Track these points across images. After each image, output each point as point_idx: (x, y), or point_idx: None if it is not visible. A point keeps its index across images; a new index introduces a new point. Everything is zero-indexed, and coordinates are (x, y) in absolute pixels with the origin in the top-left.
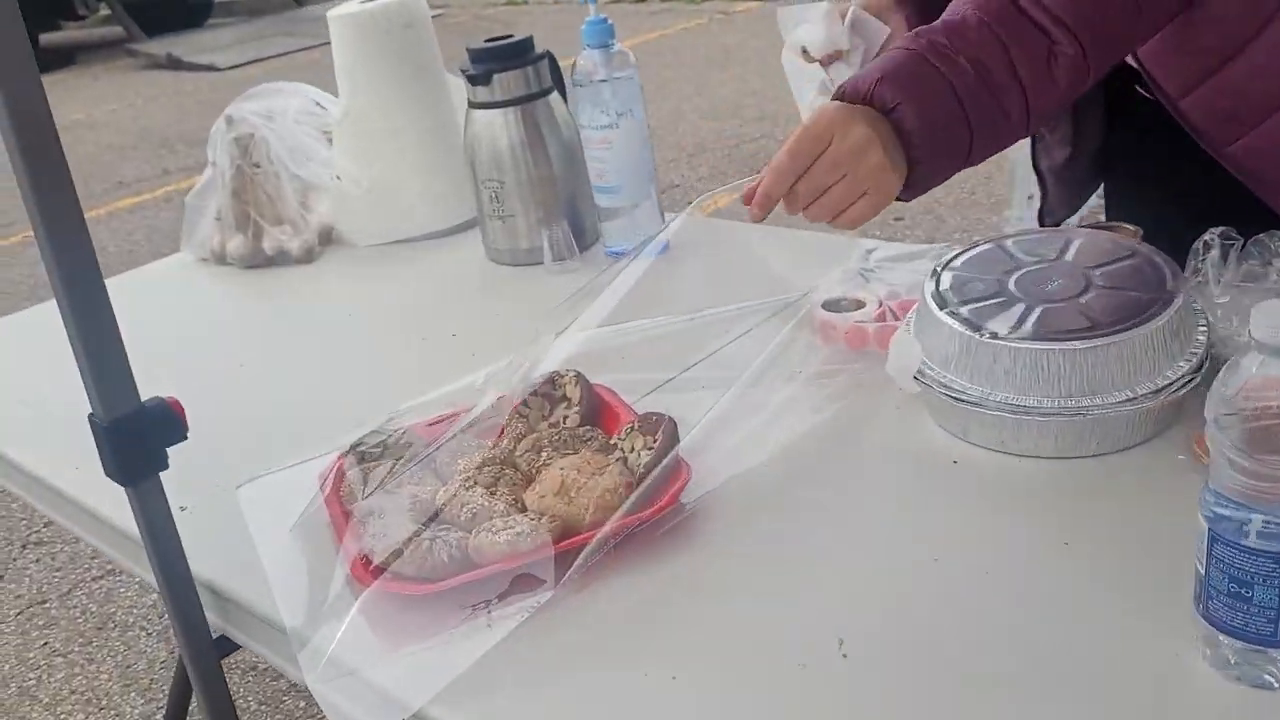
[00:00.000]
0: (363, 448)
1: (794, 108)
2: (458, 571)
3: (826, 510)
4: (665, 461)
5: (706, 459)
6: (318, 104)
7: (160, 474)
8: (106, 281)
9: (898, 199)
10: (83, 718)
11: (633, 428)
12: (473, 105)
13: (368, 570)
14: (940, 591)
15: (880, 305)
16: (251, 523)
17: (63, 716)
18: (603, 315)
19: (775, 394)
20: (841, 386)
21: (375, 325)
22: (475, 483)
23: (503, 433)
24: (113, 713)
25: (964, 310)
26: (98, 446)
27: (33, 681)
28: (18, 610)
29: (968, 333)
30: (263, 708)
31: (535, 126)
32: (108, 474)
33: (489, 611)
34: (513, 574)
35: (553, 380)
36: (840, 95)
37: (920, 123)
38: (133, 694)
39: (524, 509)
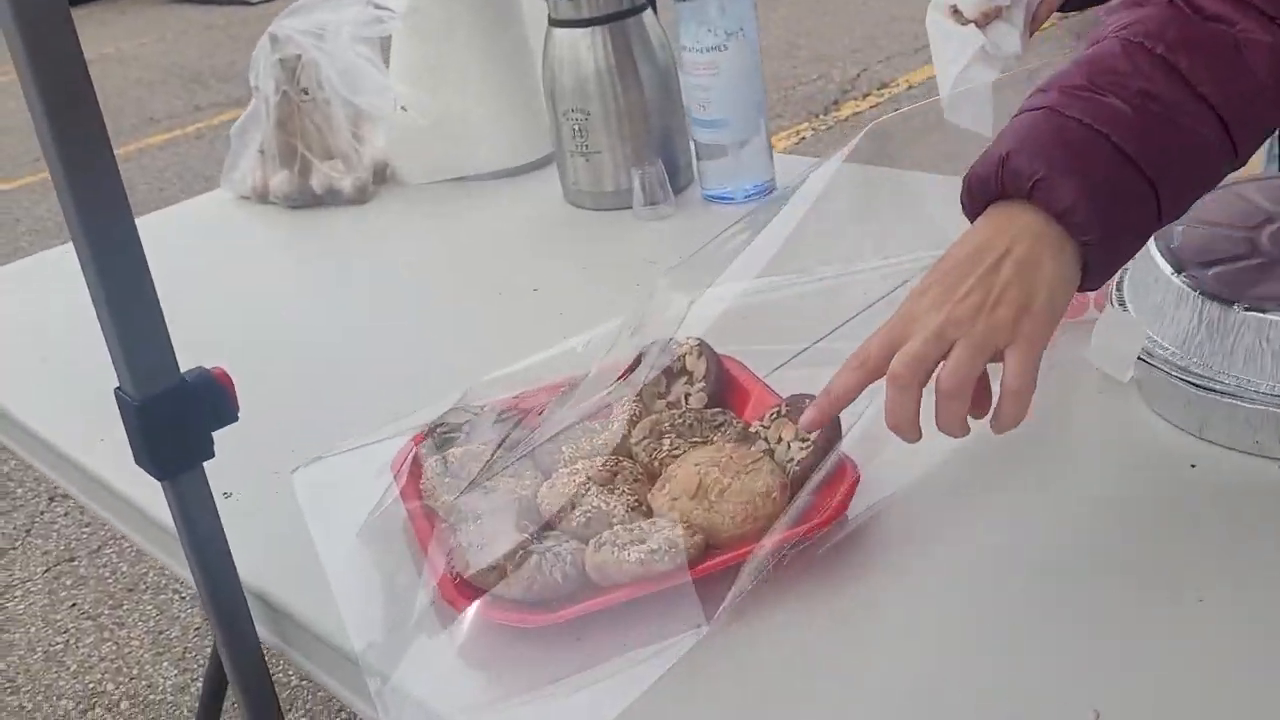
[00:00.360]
0: (444, 429)
1: (851, 46)
2: (574, 595)
3: (1032, 528)
4: (829, 460)
5: (870, 457)
6: (376, 7)
7: (204, 464)
8: (140, 219)
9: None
10: (113, 687)
11: (778, 413)
12: (553, 22)
13: (460, 590)
14: (1215, 646)
15: None
16: (310, 517)
17: (91, 686)
18: (751, 272)
19: None
20: None
21: (441, 276)
22: (588, 478)
23: (612, 413)
24: (144, 683)
25: (1209, 274)
26: (127, 430)
27: (59, 646)
28: (45, 568)
29: (1218, 304)
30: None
31: (627, 48)
32: (139, 463)
33: (622, 654)
34: (646, 602)
35: (668, 350)
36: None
37: (1080, 194)
38: (165, 663)
39: (649, 513)
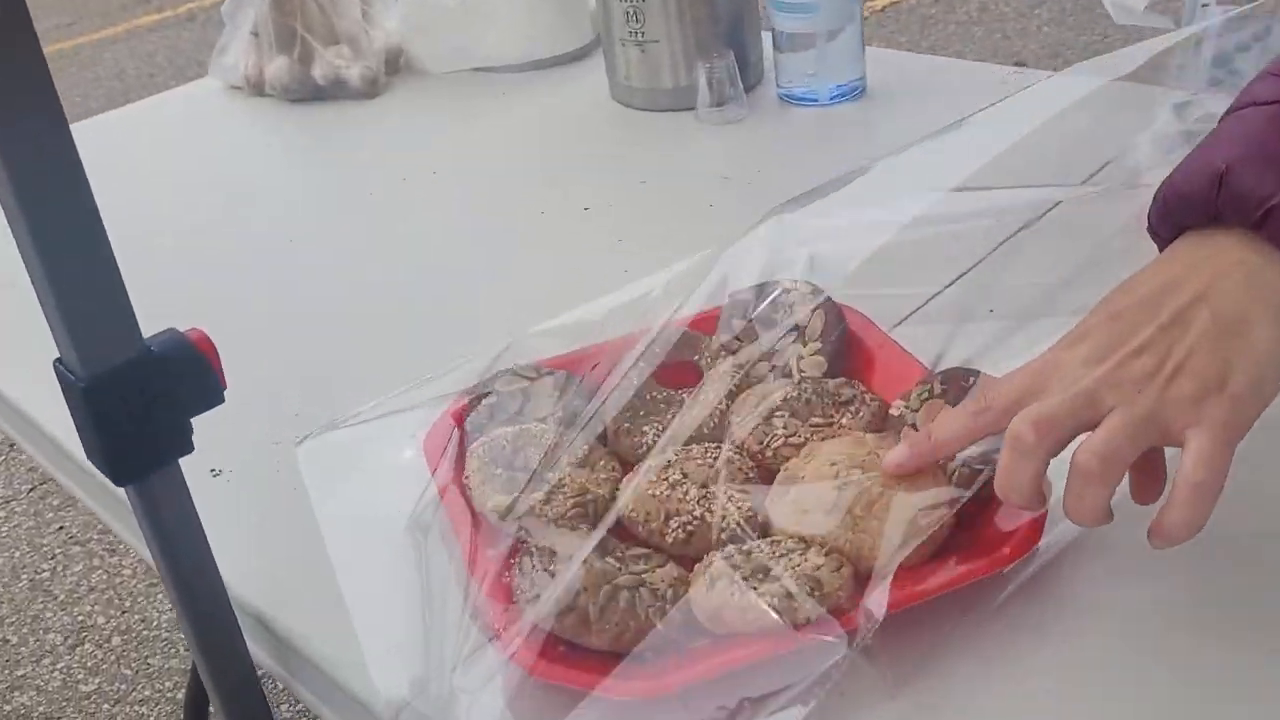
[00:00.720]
0: (491, 397)
1: None
2: (679, 642)
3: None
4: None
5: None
6: None
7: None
8: (112, 112)
9: None
10: (103, 620)
11: (930, 391)
12: None
13: (527, 639)
14: None
15: None
16: (320, 508)
17: (80, 619)
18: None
19: None
20: None
21: (468, 191)
22: (683, 474)
23: (700, 381)
24: (137, 616)
25: None
26: (74, 418)
27: (46, 573)
28: (30, 485)
29: None
30: None
31: None
32: (92, 460)
33: None
34: (779, 659)
35: (773, 298)
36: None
37: None
38: (159, 595)
39: (766, 528)
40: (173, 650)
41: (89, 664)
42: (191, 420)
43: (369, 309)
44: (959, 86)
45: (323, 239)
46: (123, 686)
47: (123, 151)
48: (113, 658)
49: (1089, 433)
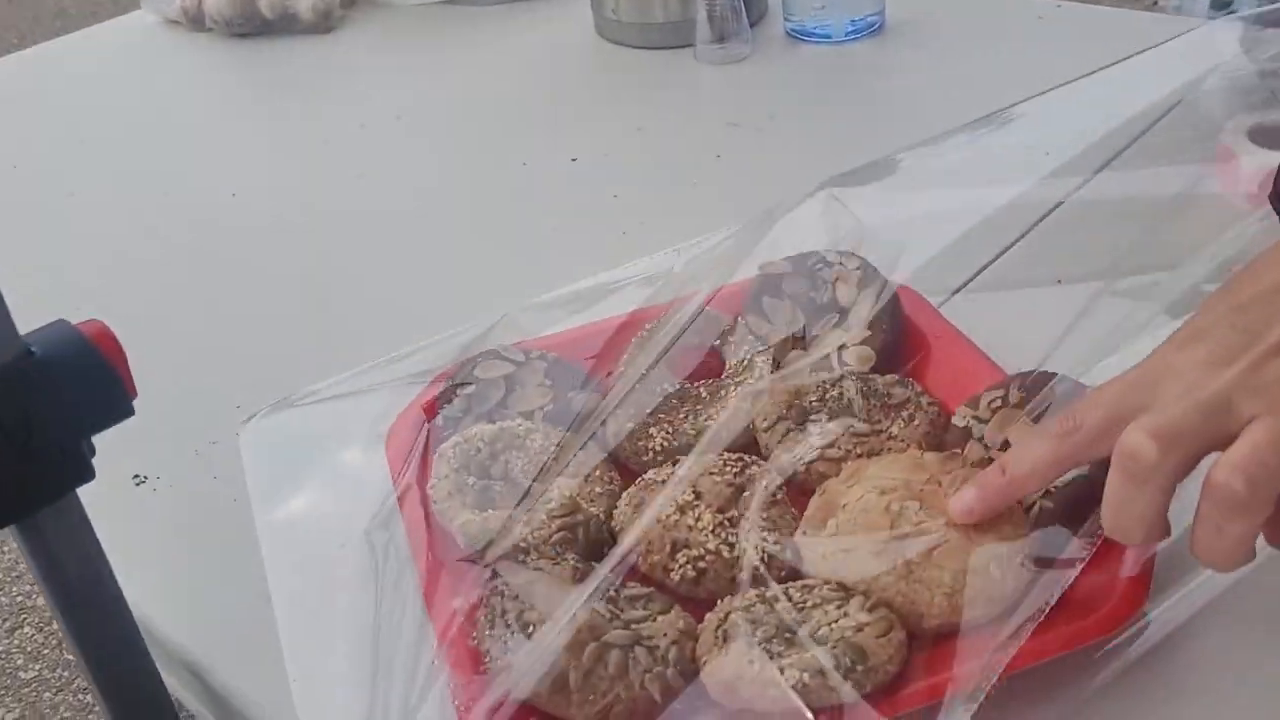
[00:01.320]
0: (469, 388)
1: None
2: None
3: None
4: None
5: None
6: None
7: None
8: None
9: None
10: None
11: (1004, 398)
12: None
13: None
14: None
15: None
16: (262, 520)
17: (19, 600)
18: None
19: None
20: None
21: (438, 136)
22: (695, 493)
23: (722, 375)
24: None
25: None
26: None
27: None
28: None
29: None
30: None
31: None
32: None
33: None
34: None
35: (810, 272)
36: None
37: None
38: None
39: (796, 567)
40: None
41: (28, 649)
42: (92, 441)
43: (325, 279)
44: (991, 20)
45: (270, 195)
46: (65, 674)
47: (36, 96)
48: (54, 642)
49: (1221, 451)
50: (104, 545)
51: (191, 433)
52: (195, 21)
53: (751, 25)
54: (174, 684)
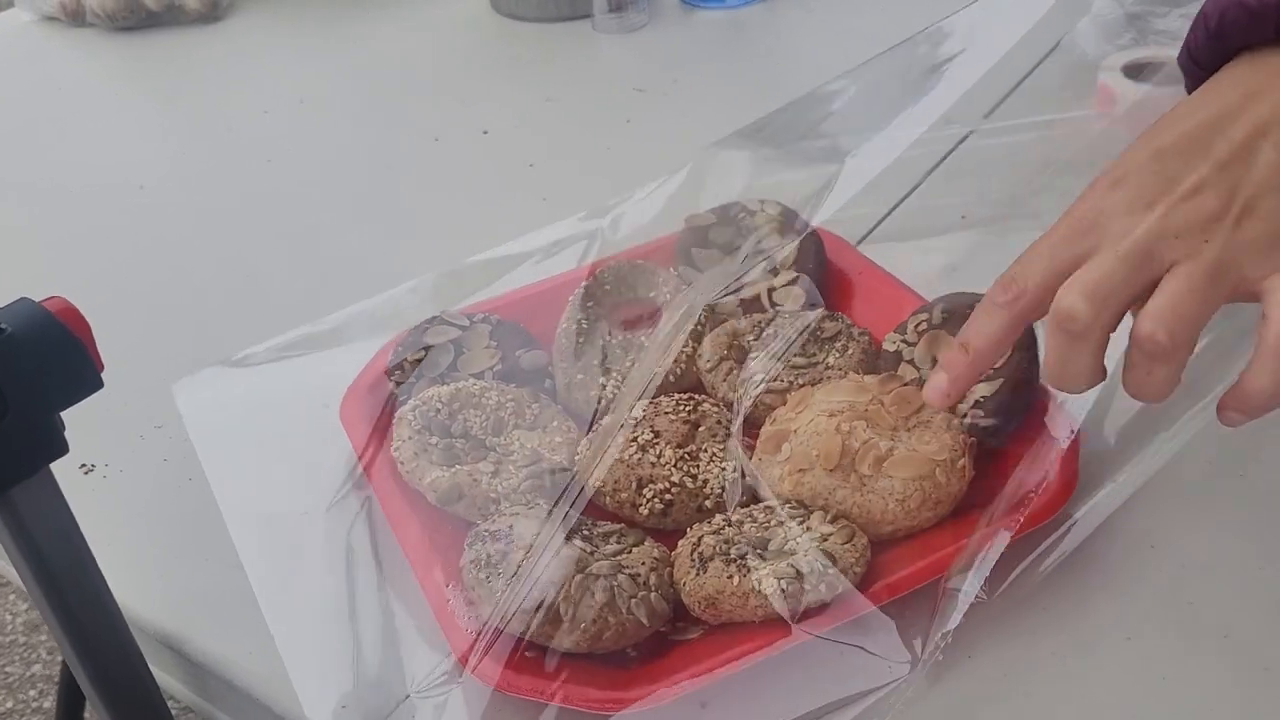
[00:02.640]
0: (421, 350)
1: None
2: (668, 643)
3: None
4: (1046, 409)
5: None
6: None
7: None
8: None
9: None
10: None
11: (929, 320)
12: None
13: (491, 648)
14: None
15: None
16: (223, 497)
17: None
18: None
19: None
20: None
21: (346, 116)
22: (655, 433)
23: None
24: None
25: None
26: None
27: None
28: None
29: None
30: None
31: None
32: None
33: None
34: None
35: (734, 220)
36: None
37: None
38: (12, 597)
39: (754, 492)
40: (33, 655)
41: None
42: (61, 418)
43: (246, 264)
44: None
45: (180, 186)
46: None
47: None
48: None
49: (1151, 299)
50: None
51: (133, 419)
52: (75, 17)
53: None
54: (151, 661)
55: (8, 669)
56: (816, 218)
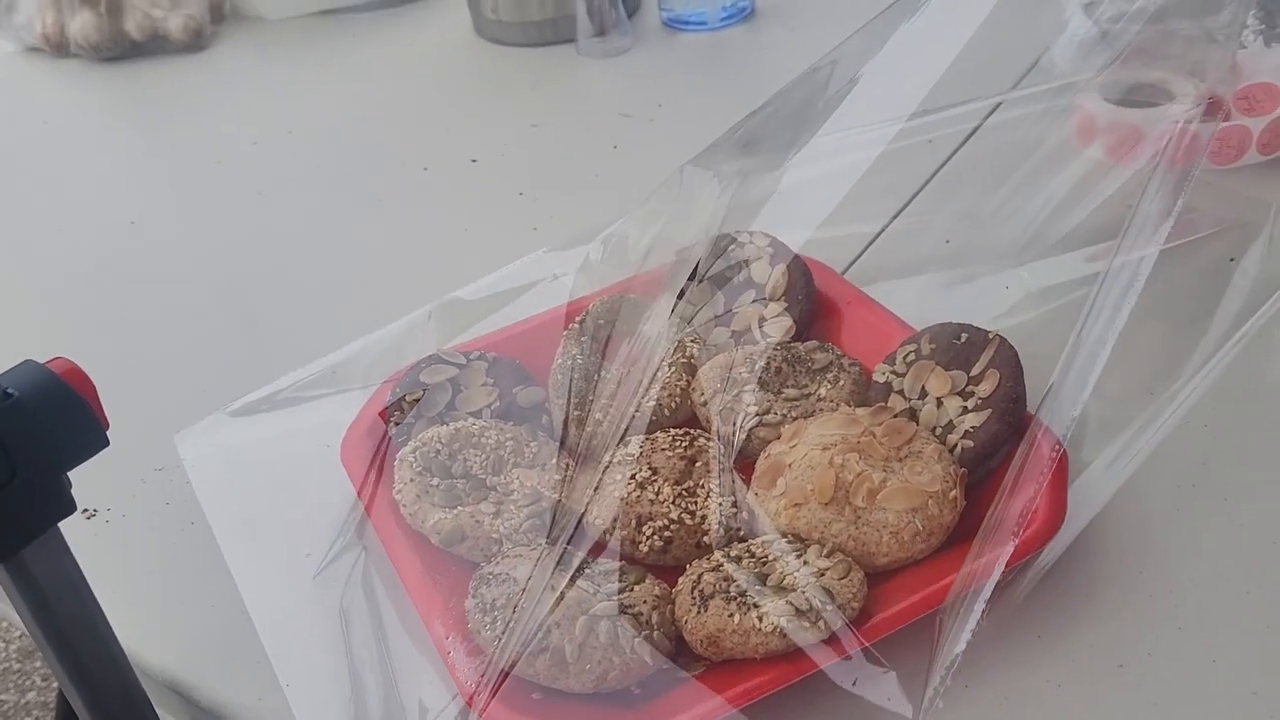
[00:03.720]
0: (419, 390)
1: None
2: (674, 680)
3: None
4: (1034, 437)
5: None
6: None
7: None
8: None
9: None
10: None
11: (917, 351)
12: None
13: (489, 685)
14: None
15: (1210, 98)
16: (226, 542)
17: None
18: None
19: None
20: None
21: (335, 147)
22: (652, 470)
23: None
24: None
25: None
26: None
27: None
28: None
29: None
30: None
31: None
32: None
33: None
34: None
35: (724, 252)
36: None
37: None
38: (3, 625)
39: (752, 526)
40: (27, 683)
41: None
42: (69, 478)
43: (241, 298)
44: None
45: (172, 221)
46: None
47: None
48: None
49: None
50: None
51: (134, 462)
52: (59, 48)
53: (629, 17)
54: (161, 710)
55: (2, 696)
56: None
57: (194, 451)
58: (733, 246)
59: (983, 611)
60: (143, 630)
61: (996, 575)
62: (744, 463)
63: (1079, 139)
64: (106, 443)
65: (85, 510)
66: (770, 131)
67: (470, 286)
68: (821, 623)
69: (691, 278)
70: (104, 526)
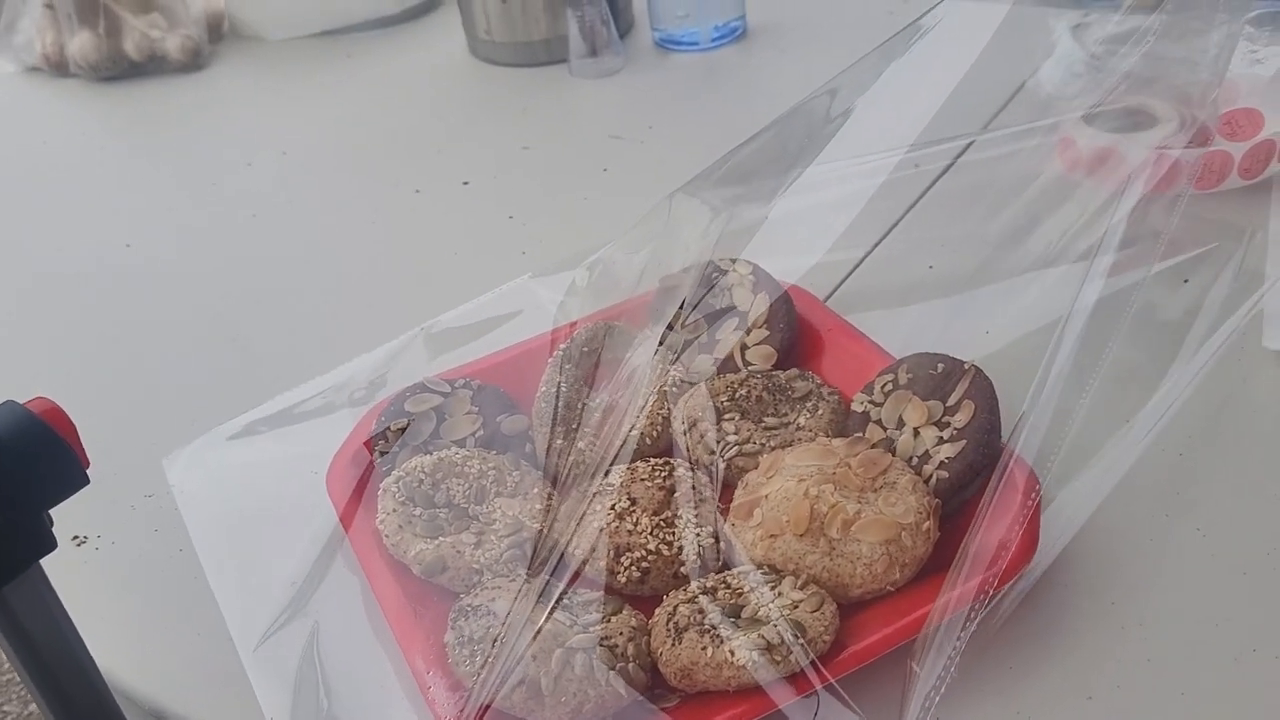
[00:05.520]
0: (404, 419)
1: None
2: (647, 711)
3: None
4: (1006, 466)
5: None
6: None
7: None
8: None
9: None
10: None
11: (895, 381)
12: None
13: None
14: None
15: (1193, 122)
16: (211, 569)
17: None
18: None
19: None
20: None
21: (329, 169)
22: (631, 500)
23: (634, 383)
24: None
25: None
26: None
27: None
28: None
29: None
30: None
31: None
32: None
33: None
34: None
35: (709, 281)
36: None
37: None
38: None
39: (729, 555)
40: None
41: None
42: (50, 515)
43: (234, 322)
44: (844, 19)
45: (167, 244)
46: None
47: None
48: None
49: None
50: None
51: (124, 488)
52: (58, 68)
53: (621, 37)
54: None
55: (6, 708)
56: (784, 275)
57: (182, 477)
58: (715, 274)
59: (954, 649)
60: (129, 658)
61: (965, 612)
62: (723, 492)
63: (1062, 163)
64: (87, 481)
65: (75, 537)
66: (761, 164)
67: (454, 312)
68: (791, 658)
69: (682, 307)
70: (93, 554)
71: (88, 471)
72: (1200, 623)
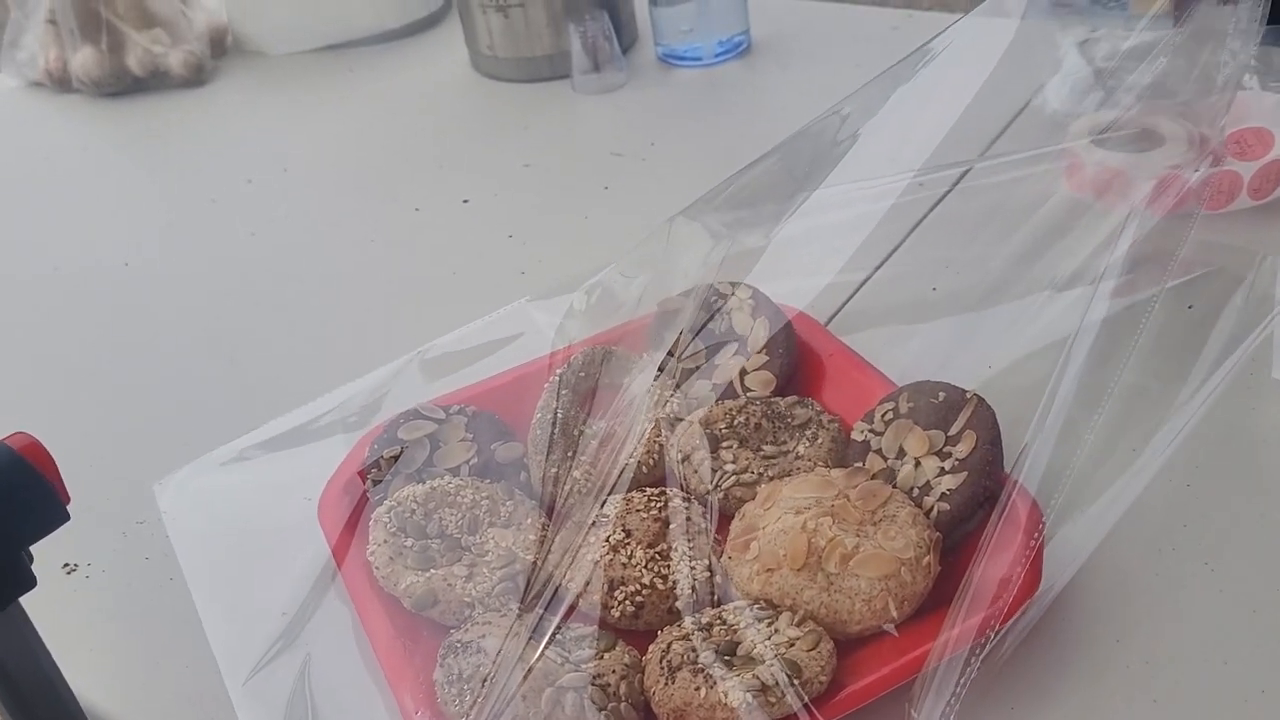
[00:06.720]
0: (397, 447)
1: None
2: None
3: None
4: (1009, 499)
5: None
6: None
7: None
8: None
9: None
10: None
11: (895, 410)
12: None
13: None
14: None
15: (1201, 141)
16: (199, 592)
17: None
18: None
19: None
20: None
21: (329, 186)
22: (626, 532)
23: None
24: None
25: None
26: None
27: None
28: None
29: None
30: None
31: None
32: None
33: None
34: None
35: (706, 304)
36: None
37: None
38: None
39: (725, 589)
40: None
41: None
42: (30, 551)
43: (231, 344)
44: (848, 34)
45: (166, 263)
46: None
47: None
48: None
49: None
50: (44, 637)
51: (116, 515)
52: (61, 84)
53: (624, 52)
54: None
55: None
56: (785, 298)
57: (173, 503)
58: (715, 298)
59: (954, 694)
60: (116, 688)
61: (965, 653)
62: (720, 522)
63: (1068, 183)
64: (67, 517)
65: (65, 565)
66: (765, 188)
67: (451, 336)
68: (786, 700)
69: (674, 329)
70: (83, 582)
71: (68, 507)
72: (1208, 662)
